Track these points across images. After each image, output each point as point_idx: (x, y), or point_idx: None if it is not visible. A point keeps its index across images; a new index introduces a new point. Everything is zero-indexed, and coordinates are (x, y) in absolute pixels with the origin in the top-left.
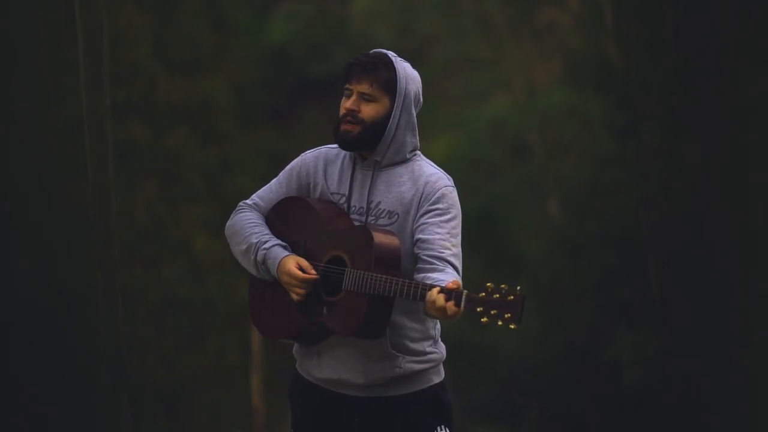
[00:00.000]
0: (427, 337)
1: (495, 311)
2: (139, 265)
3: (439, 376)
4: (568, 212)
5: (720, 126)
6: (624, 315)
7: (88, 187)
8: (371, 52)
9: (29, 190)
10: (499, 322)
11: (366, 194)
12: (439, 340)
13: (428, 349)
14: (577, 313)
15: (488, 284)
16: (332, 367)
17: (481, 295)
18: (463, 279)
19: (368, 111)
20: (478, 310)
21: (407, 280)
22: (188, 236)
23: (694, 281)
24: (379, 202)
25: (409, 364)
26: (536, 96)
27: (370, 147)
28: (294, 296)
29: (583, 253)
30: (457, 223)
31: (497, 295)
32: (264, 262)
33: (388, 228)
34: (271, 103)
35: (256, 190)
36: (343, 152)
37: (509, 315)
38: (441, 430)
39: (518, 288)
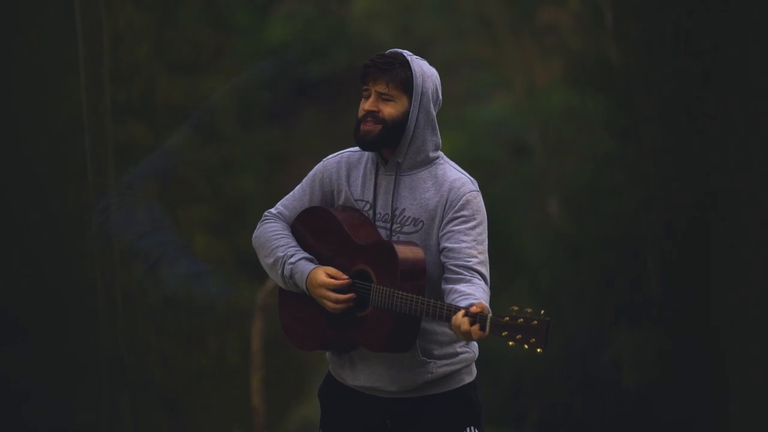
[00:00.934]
0: (459, 339)
1: (520, 336)
2: (139, 265)
3: (470, 376)
4: (568, 212)
5: (720, 126)
6: (624, 315)
7: (88, 187)
8: (387, 52)
9: (29, 190)
10: (525, 346)
11: (390, 201)
12: None
13: (459, 350)
14: (577, 314)
15: (513, 308)
16: (365, 374)
17: (505, 319)
18: None
19: (388, 110)
20: (504, 334)
21: (433, 300)
22: (188, 236)
23: (694, 281)
24: (404, 209)
25: (441, 368)
26: (536, 96)
27: (390, 147)
28: (329, 306)
29: (583, 253)
30: (483, 228)
31: (521, 320)
32: (291, 276)
33: (413, 236)
34: (271, 103)
35: (256, 191)
36: (365, 156)
37: (534, 339)
38: (470, 431)
39: (542, 312)
